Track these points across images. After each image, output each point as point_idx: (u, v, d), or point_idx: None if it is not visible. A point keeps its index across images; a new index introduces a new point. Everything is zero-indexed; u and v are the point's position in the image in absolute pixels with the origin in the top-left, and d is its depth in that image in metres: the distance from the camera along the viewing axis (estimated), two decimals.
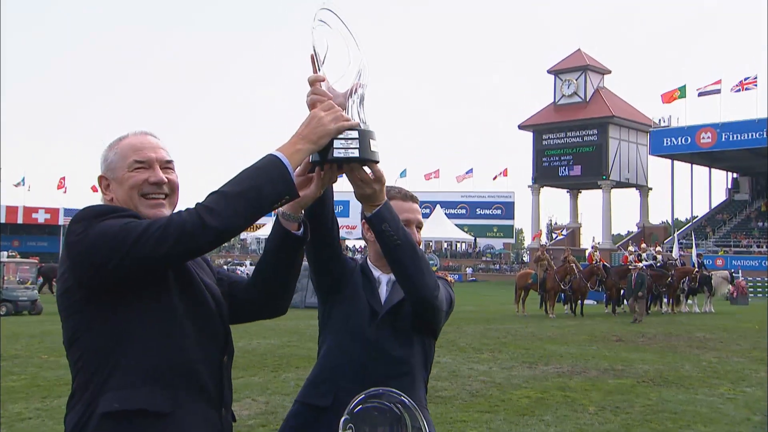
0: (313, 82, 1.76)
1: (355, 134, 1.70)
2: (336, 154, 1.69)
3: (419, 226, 2.28)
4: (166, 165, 1.80)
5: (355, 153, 1.69)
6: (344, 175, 1.85)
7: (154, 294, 1.65)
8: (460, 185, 61.14)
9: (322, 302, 2.26)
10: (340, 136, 1.68)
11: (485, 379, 8.76)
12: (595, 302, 24.62)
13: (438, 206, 56.89)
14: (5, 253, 28.74)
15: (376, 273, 2.25)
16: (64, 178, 53.33)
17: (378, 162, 1.80)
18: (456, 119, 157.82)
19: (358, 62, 1.78)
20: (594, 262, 21.28)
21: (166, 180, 1.78)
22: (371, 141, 1.73)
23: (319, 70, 1.77)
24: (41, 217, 53.09)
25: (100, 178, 1.80)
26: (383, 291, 2.23)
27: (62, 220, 54.02)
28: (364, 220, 2.10)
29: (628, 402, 7.36)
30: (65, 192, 53.73)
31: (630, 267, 19.69)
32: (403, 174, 61.85)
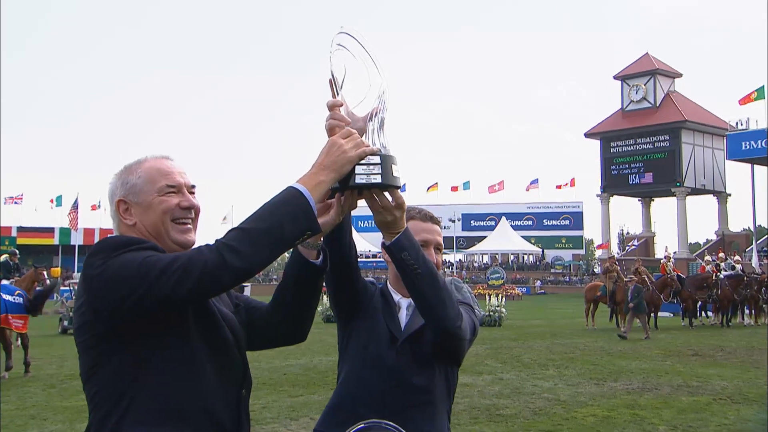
0: (331, 107, 1.72)
1: (377, 159, 1.66)
2: (358, 180, 1.64)
3: (438, 248, 2.20)
4: (191, 190, 1.78)
5: (378, 179, 1.65)
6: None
7: (171, 329, 1.61)
8: (525, 197, 60.20)
9: (342, 327, 2.20)
10: (362, 161, 1.64)
11: (549, 396, 8.45)
12: (672, 314, 23.57)
13: (503, 218, 56.18)
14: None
15: (396, 297, 2.19)
16: None
17: (399, 187, 1.75)
18: (519, 130, 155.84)
19: (378, 86, 1.73)
20: (667, 272, 20.38)
21: (196, 204, 1.76)
22: (393, 166, 1.69)
23: (338, 94, 1.73)
24: None
25: (119, 202, 1.74)
26: (403, 316, 2.16)
27: None
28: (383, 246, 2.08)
29: (702, 421, 6.93)
30: None
31: (626, 279, 18.73)
32: (466, 186, 61.45)
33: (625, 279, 19.05)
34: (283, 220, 1.55)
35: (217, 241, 1.55)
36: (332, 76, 1.72)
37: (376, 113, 1.73)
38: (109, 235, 1.71)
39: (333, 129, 1.68)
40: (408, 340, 2.09)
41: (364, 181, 1.64)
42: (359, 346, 2.12)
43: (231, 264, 1.50)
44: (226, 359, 1.71)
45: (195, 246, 1.66)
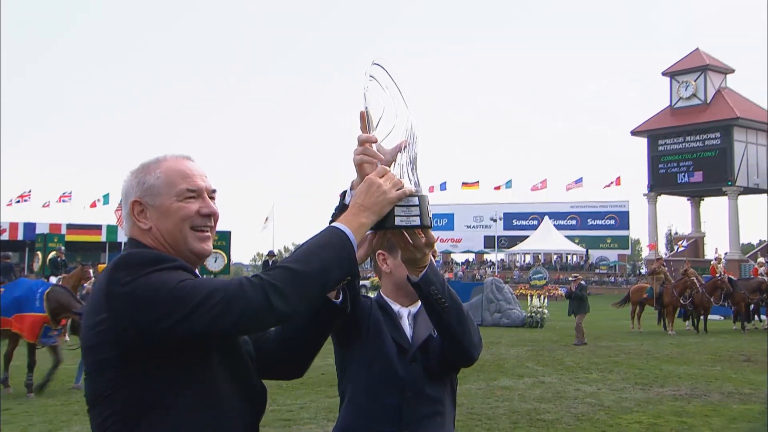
0: (363, 142, 1.66)
1: (415, 201, 1.63)
2: (398, 222, 1.62)
3: None
4: (211, 194, 1.67)
5: (417, 221, 1.63)
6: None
7: (193, 356, 1.51)
8: (569, 196, 59.20)
9: (341, 345, 2.13)
10: (401, 203, 1.61)
11: (593, 401, 8.22)
12: (722, 318, 22.81)
13: (546, 218, 55.34)
14: None
15: (395, 307, 2.16)
16: None
17: (432, 226, 1.72)
18: (562, 128, 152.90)
19: (406, 121, 1.68)
20: (717, 274, 19.72)
21: (216, 211, 1.65)
22: (427, 206, 1.65)
23: (372, 130, 1.67)
24: None
25: (134, 203, 1.61)
26: (406, 326, 2.13)
27: None
28: (378, 253, 2.09)
29: (753, 430, 6.62)
30: None
31: (570, 278, 17.93)
32: (509, 185, 60.74)
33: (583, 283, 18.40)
34: (330, 264, 1.50)
35: (260, 277, 1.45)
36: (366, 110, 1.66)
37: (405, 147, 1.67)
38: (133, 249, 1.57)
39: (362, 165, 1.64)
40: (418, 350, 2.08)
41: (404, 224, 1.62)
42: (363, 363, 2.08)
43: (276, 307, 1.43)
44: (246, 387, 1.63)
45: (237, 278, 1.55)
